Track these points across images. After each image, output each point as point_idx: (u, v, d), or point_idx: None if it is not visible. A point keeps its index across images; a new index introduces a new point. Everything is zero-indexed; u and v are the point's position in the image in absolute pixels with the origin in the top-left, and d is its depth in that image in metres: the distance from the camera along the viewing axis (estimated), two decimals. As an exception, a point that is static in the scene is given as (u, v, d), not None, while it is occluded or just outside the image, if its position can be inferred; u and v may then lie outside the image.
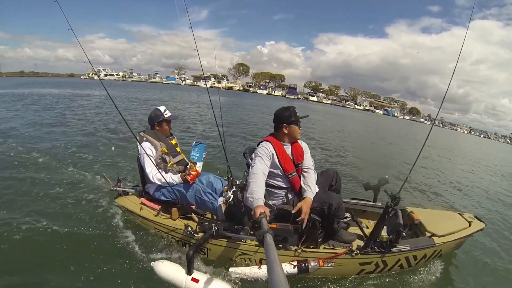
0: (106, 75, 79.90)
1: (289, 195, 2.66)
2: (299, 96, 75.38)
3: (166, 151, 3.06)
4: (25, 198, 3.93)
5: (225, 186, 3.01)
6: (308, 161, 2.75)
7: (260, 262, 2.57)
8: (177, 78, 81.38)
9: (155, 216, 3.00)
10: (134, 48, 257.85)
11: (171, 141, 3.27)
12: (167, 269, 2.39)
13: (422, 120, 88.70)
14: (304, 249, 2.54)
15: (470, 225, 3.13)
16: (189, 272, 2.27)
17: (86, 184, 4.47)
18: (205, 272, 2.43)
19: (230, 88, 72.92)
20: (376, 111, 79.66)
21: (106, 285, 2.54)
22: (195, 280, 2.24)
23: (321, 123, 21.14)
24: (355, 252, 2.54)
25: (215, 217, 3.10)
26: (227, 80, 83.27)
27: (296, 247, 2.53)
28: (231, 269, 2.44)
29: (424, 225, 3.01)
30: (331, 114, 34.90)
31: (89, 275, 2.57)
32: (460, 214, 3.38)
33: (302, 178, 2.67)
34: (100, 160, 5.95)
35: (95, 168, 5.29)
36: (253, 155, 2.65)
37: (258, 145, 2.68)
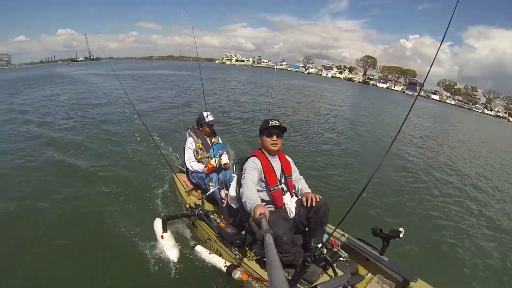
0: (237, 60, 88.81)
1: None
2: (422, 93, 65.38)
3: (201, 147, 3.84)
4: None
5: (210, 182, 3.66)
6: (296, 173, 2.86)
7: (216, 251, 2.97)
8: (301, 67, 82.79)
9: (185, 192, 3.85)
10: (276, 37, 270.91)
11: (212, 139, 3.98)
12: (156, 225, 3.39)
13: None
14: (245, 258, 2.63)
15: None
16: (162, 231, 3.28)
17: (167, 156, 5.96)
18: (174, 237, 3.35)
19: (350, 79, 70.06)
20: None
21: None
22: (162, 237, 3.24)
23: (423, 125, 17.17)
24: None
25: None
26: (350, 71, 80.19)
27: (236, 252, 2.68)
28: (197, 247, 3.09)
29: None
30: (448, 117, 27.88)
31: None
32: None
33: (295, 185, 2.81)
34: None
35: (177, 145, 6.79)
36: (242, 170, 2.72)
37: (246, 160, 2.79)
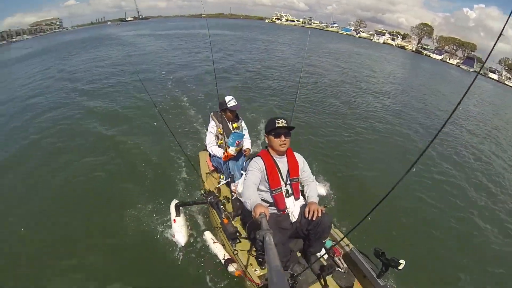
0: (287, 20, 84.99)
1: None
2: (478, 69, 57.77)
3: (221, 132, 3.79)
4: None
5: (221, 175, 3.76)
6: (307, 174, 2.70)
7: (221, 241, 3.05)
8: (353, 30, 77.45)
9: (205, 173, 4.00)
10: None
11: (234, 124, 3.90)
12: (172, 207, 3.48)
13: None
14: (243, 253, 2.72)
15: None
16: (175, 215, 3.34)
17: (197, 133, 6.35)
18: (186, 222, 3.42)
19: (402, 47, 64.23)
20: None
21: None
22: (174, 220, 3.31)
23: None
24: None
25: None
26: (403, 38, 73.55)
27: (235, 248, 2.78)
28: (206, 232, 3.22)
29: None
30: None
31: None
32: None
33: (305, 187, 2.68)
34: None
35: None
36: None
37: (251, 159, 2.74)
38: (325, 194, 4.14)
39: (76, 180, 4.68)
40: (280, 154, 2.54)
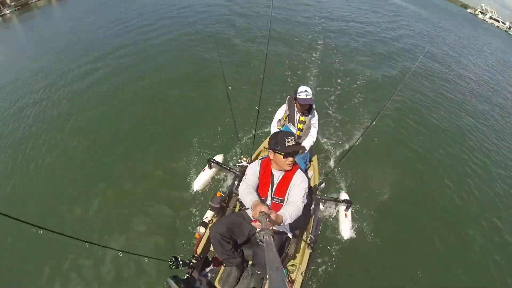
0: (491, 18, 68.48)
1: None
2: None
3: (285, 118, 3.83)
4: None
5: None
6: (293, 196, 2.33)
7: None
8: None
9: (265, 148, 4.23)
10: None
11: (301, 117, 3.73)
12: (218, 159, 4.10)
13: None
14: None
15: None
16: (206, 167, 4.00)
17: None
18: (211, 175, 4.03)
19: None
20: None
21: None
22: (203, 170, 4.02)
23: None
24: None
25: None
26: None
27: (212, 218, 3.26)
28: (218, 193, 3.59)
29: None
30: None
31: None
32: None
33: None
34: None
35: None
36: None
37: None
38: (349, 220, 3.72)
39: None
40: (281, 169, 2.41)
